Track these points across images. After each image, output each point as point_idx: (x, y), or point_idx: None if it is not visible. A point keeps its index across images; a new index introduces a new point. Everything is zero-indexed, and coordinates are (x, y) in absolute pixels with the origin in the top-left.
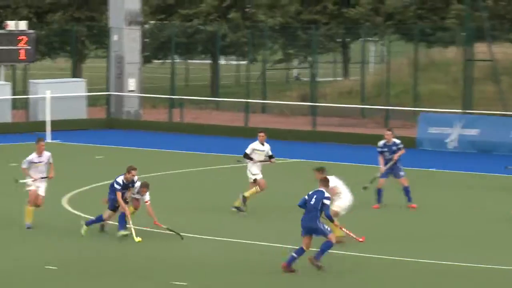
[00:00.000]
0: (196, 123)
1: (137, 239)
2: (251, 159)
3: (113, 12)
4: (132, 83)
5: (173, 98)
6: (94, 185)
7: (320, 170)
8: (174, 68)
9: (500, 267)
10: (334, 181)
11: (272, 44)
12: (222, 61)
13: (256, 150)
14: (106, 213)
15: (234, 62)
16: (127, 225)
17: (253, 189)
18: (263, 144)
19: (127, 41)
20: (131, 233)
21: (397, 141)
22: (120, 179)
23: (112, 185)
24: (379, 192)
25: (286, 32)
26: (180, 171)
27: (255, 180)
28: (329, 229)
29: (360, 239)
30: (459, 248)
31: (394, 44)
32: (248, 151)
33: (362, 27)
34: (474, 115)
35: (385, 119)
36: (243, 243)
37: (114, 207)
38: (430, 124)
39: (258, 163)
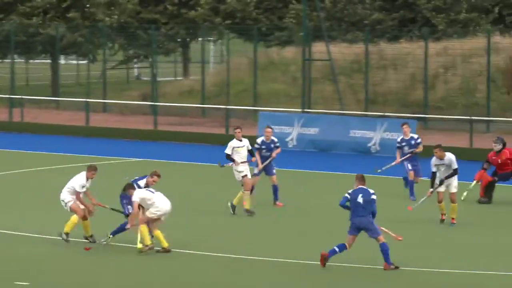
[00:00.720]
0: (37, 122)
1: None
2: (233, 160)
3: None
4: None
5: (13, 98)
6: None
7: (128, 186)
8: (14, 67)
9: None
10: (141, 193)
11: (111, 44)
12: (62, 61)
13: (236, 147)
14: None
15: (74, 62)
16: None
17: (239, 195)
18: (240, 140)
19: None
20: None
21: (275, 139)
22: (141, 183)
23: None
24: (251, 189)
25: (125, 31)
26: (21, 171)
27: (244, 177)
28: (378, 230)
29: (399, 238)
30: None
31: (233, 44)
32: (228, 151)
33: (201, 27)
34: (313, 114)
35: (225, 118)
36: (86, 243)
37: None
38: (269, 123)
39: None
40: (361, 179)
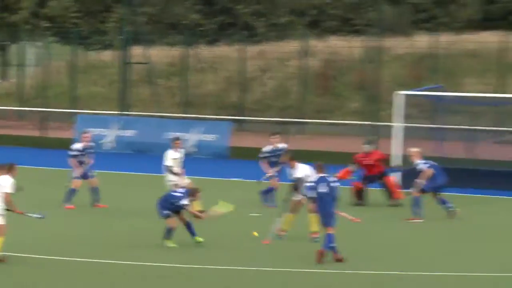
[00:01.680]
0: None
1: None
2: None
3: None
4: None
5: None
6: None
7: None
8: None
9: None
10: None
11: None
12: None
13: (174, 158)
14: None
15: None
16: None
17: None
18: (178, 152)
19: None
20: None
21: (93, 144)
22: None
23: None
24: (72, 191)
25: None
26: None
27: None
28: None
29: (357, 220)
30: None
31: (53, 47)
32: (168, 163)
33: (21, 29)
34: (131, 116)
35: (44, 121)
36: None
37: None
38: (88, 125)
39: (176, 170)
40: (321, 168)
